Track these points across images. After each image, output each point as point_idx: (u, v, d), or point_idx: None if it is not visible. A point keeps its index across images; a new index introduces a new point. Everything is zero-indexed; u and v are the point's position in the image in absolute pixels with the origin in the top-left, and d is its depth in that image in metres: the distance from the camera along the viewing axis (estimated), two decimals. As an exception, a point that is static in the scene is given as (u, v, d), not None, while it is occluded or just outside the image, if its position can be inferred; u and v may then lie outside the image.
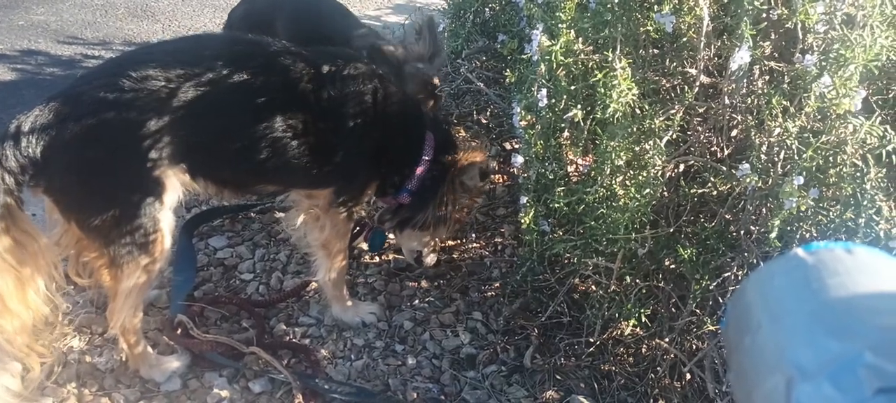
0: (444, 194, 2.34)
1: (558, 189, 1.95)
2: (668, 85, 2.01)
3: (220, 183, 2.10)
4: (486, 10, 3.02)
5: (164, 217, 1.95)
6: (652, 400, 2.16)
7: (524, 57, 1.95)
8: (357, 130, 2.12)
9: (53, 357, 2.08)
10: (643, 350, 2.28)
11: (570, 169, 2.20)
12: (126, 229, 1.89)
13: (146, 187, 1.89)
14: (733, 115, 1.88)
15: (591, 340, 2.24)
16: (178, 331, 2.26)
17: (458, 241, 2.84)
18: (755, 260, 1.81)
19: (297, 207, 2.29)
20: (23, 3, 5.26)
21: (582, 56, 1.77)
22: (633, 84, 1.65)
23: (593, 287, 2.26)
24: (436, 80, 2.30)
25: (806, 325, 0.66)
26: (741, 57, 1.65)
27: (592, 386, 2.23)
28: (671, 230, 1.97)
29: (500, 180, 3.11)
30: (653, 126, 1.75)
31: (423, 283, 2.66)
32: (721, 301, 1.95)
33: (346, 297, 2.45)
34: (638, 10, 1.77)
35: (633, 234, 1.85)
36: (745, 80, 1.84)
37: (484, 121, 3.49)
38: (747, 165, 1.66)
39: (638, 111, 1.74)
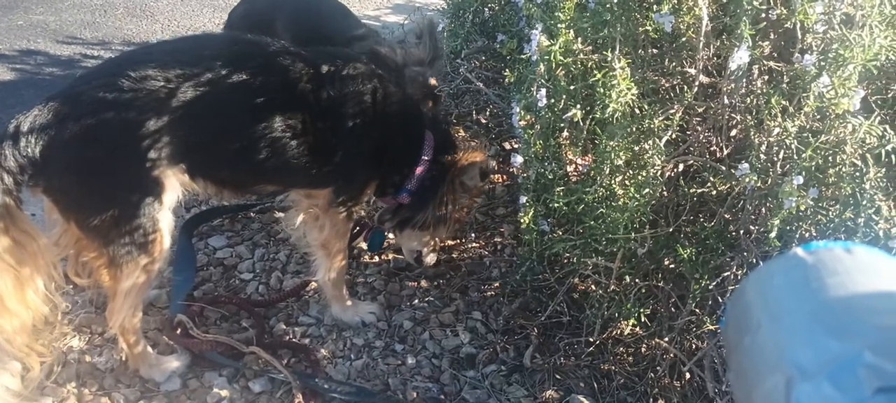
0: (443, 194, 2.34)
1: (558, 188, 1.95)
2: (667, 85, 2.01)
3: (219, 183, 2.10)
4: (486, 9, 3.02)
5: (163, 217, 1.95)
6: (652, 400, 2.16)
7: (523, 57, 1.95)
8: (356, 130, 2.12)
9: (53, 356, 2.08)
10: (643, 349, 2.29)
11: (570, 168, 2.20)
12: (125, 229, 1.89)
13: (145, 187, 1.89)
14: (732, 115, 1.88)
15: (591, 340, 2.24)
16: (178, 331, 2.26)
17: (458, 241, 2.84)
18: (755, 260, 1.81)
19: (296, 207, 2.29)
20: (22, 3, 5.26)
21: (581, 56, 1.77)
22: (633, 84, 1.65)
23: (593, 286, 2.26)
24: (432, 81, 2.29)
25: (805, 325, 0.66)
26: (740, 57, 1.65)
27: (592, 386, 2.23)
28: (670, 230, 1.97)
29: (500, 180, 3.11)
30: (652, 126, 1.75)
31: (423, 283, 2.66)
32: (720, 300, 1.95)
33: (345, 297, 2.45)
34: (637, 10, 1.77)
35: (633, 234, 1.85)
36: (744, 80, 1.85)
37: (483, 121, 3.49)
38: (746, 165, 1.66)
39: (637, 111, 1.74)
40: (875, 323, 0.64)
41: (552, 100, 1.86)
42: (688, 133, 2.00)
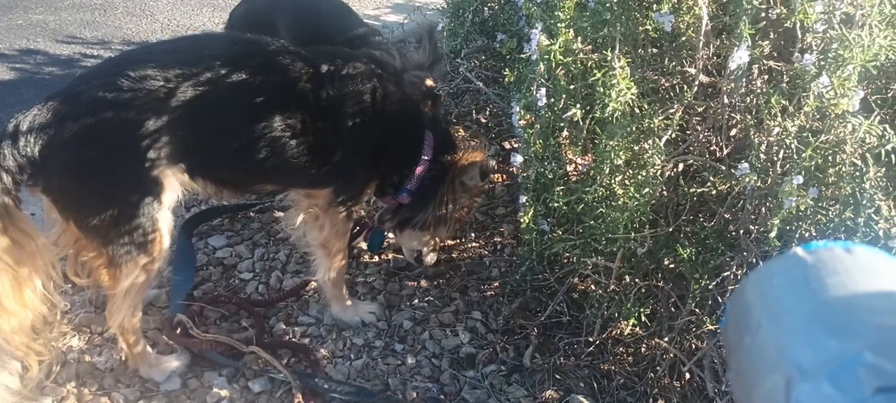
0: (443, 194, 2.34)
1: (557, 188, 1.95)
2: (667, 84, 2.01)
3: (218, 182, 2.10)
4: (485, 9, 3.02)
5: (162, 216, 1.94)
6: (651, 400, 2.16)
7: (523, 56, 1.94)
8: (356, 130, 2.12)
9: (52, 356, 2.08)
10: (643, 349, 2.28)
11: (570, 168, 2.19)
12: (125, 229, 1.89)
13: (145, 187, 1.89)
14: (732, 115, 1.88)
15: (591, 339, 2.24)
16: (178, 331, 2.25)
17: (458, 241, 2.84)
18: (754, 260, 1.81)
19: (296, 207, 2.29)
20: (22, 2, 5.26)
21: (581, 55, 1.77)
22: (632, 83, 1.65)
23: (593, 286, 2.26)
24: (429, 82, 2.29)
25: (805, 325, 0.66)
26: (740, 56, 1.65)
27: (592, 386, 2.23)
28: (670, 229, 1.97)
29: (500, 179, 3.11)
30: (652, 125, 1.75)
31: (423, 283, 2.66)
32: (720, 300, 1.95)
33: (345, 297, 2.44)
34: (637, 10, 1.77)
35: (633, 234, 1.85)
36: (743, 80, 1.85)
37: (483, 121, 3.49)
38: (746, 164, 1.66)
39: (637, 110, 1.74)
40: (875, 322, 0.64)
41: (552, 100, 1.86)
42: (688, 132, 2.00)
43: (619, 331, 2.27)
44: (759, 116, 1.72)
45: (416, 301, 2.57)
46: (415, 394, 2.19)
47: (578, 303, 2.42)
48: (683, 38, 1.82)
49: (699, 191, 1.98)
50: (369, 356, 2.32)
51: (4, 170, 1.76)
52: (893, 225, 1.51)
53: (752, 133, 1.74)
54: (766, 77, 1.87)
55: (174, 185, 1.97)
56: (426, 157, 2.31)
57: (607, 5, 1.73)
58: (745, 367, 0.71)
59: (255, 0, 3.02)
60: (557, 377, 2.27)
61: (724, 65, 1.81)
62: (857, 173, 1.56)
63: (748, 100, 1.84)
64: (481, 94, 3.46)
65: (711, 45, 1.80)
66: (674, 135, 1.80)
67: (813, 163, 1.56)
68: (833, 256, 0.72)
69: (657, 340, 2.15)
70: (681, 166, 2.08)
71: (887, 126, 1.51)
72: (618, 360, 2.30)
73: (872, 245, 1.34)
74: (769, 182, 1.69)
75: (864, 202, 1.53)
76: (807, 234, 1.68)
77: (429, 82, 2.29)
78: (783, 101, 1.61)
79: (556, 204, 1.93)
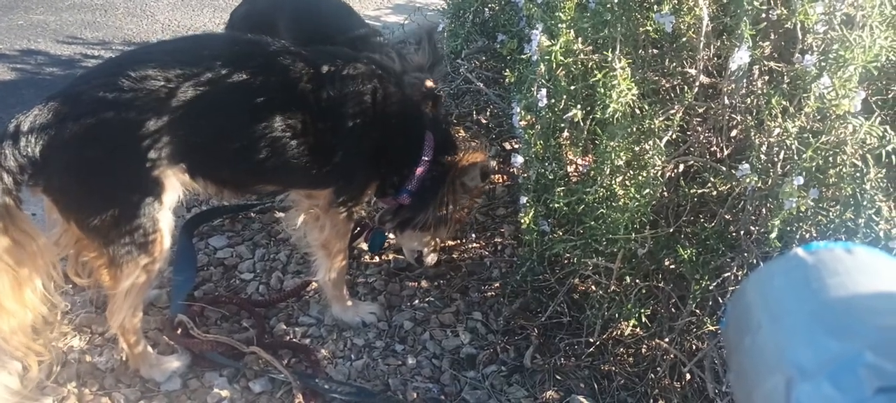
0: (444, 195, 2.34)
1: (558, 189, 1.95)
2: (667, 85, 2.01)
3: (219, 182, 2.10)
4: (486, 9, 3.02)
5: (163, 217, 1.95)
6: (652, 401, 2.16)
7: (524, 57, 1.94)
8: (356, 130, 2.12)
9: (52, 356, 2.08)
10: (643, 350, 2.28)
11: (570, 169, 2.19)
12: (125, 229, 1.89)
13: (145, 187, 1.89)
14: (733, 116, 1.88)
15: (591, 340, 2.24)
16: (179, 331, 2.26)
17: (458, 241, 2.84)
18: (755, 261, 1.81)
19: (297, 207, 2.29)
20: (22, 2, 5.26)
21: (581, 56, 1.77)
22: (633, 84, 1.65)
23: (593, 287, 2.26)
24: (429, 83, 2.29)
25: (806, 325, 0.66)
26: (741, 57, 1.65)
27: (592, 386, 2.23)
28: (671, 230, 1.97)
29: (500, 180, 3.11)
30: (652, 126, 1.75)
31: (423, 283, 2.66)
32: (721, 301, 1.95)
33: (346, 297, 2.44)
34: (637, 10, 1.77)
35: (633, 234, 1.85)
36: (744, 81, 1.85)
37: (484, 121, 3.49)
38: (747, 165, 1.66)
39: (637, 111, 1.74)
40: (875, 323, 0.64)
41: (552, 101, 1.86)
42: (688, 133, 2.00)
43: (619, 332, 2.27)
44: (760, 117, 1.72)
45: (417, 301, 2.57)
46: (415, 395, 2.19)
47: (579, 304, 2.42)
48: (684, 39, 1.82)
49: (700, 191, 1.98)
50: (370, 356, 2.32)
51: (5, 171, 1.76)
52: (894, 225, 1.51)
53: (752, 134, 1.75)
54: (766, 78, 1.87)
55: (175, 185, 1.97)
56: (427, 158, 2.31)
57: (608, 6, 1.73)
58: (746, 368, 0.71)
59: (256, 1, 3.02)
60: (558, 377, 2.27)
61: (724, 65, 1.82)
62: (858, 174, 1.56)
63: (749, 101, 1.84)
64: (482, 95, 3.46)
65: (712, 46, 1.80)
66: (674, 136, 1.80)
67: (813, 163, 1.56)
68: (834, 257, 0.72)
69: (658, 341, 2.15)
70: (681, 167, 2.08)
71: (888, 127, 1.51)
72: (618, 361, 2.30)
73: (873, 246, 1.34)
74: (770, 183, 1.69)
75: (865, 203, 1.53)
76: (807, 235, 1.68)
77: (429, 83, 2.29)
78: (784, 102, 1.61)
79: (556, 205, 1.93)
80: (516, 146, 3.02)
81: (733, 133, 1.97)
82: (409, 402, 2.17)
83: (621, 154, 1.75)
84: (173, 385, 2.14)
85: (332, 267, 2.33)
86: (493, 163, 2.83)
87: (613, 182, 1.83)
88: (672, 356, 2.09)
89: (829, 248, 0.73)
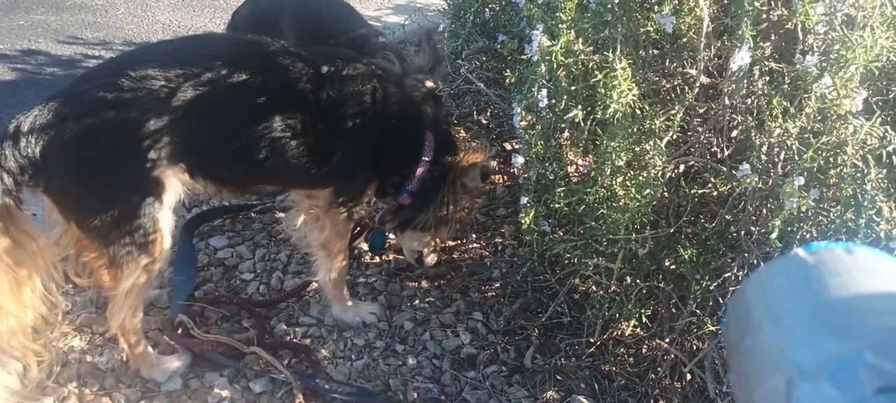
0: (444, 195, 2.34)
1: (559, 189, 1.94)
2: (668, 85, 2.01)
3: (219, 182, 2.10)
4: (486, 10, 3.02)
5: (163, 217, 1.95)
6: (652, 401, 2.16)
7: (524, 57, 1.94)
8: (356, 130, 2.12)
9: (52, 356, 2.08)
10: (644, 350, 2.28)
11: (571, 169, 2.19)
12: (126, 229, 1.89)
13: (146, 187, 1.89)
14: (733, 116, 1.88)
15: (592, 340, 2.24)
16: (179, 331, 2.26)
17: (459, 241, 2.84)
18: (755, 261, 1.81)
19: (297, 207, 2.29)
20: (23, 3, 5.26)
21: (582, 56, 1.77)
22: (634, 84, 1.65)
23: (594, 287, 2.26)
24: (429, 83, 2.29)
25: (806, 325, 0.66)
26: (741, 57, 1.65)
27: (593, 387, 2.23)
28: (671, 230, 1.97)
29: (501, 180, 3.11)
30: (653, 126, 1.75)
31: (424, 283, 2.66)
32: (721, 301, 1.95)
33: (346, 297, 2.44)
34: (638, 11, 1.77)
35: (634, 235, 1.85)
36: (745, 81, 1.84)
37: (484, 122, 3.49)
38: (747, 166, 1.66)
39: (638, 111, 1.74)
40: (876, 323, 0.64)
41: (553, 101, 1.86)
42: (689, 134, 1.99)
43: (620, 332, 2.27)
44: (761, 117, 1.72)
45: (417, 301, 2.57)
46: (416, 395, 2.19)
47: (579, 304, 2.42)
48: (685, 40, 1.82)
49: (700, 192, 1.98)
50: (370, 356, 2.32)
51: (5, 171, 1.76)
52: (894, 226, 1.51)
53: (753, 134, 1.74)
54: (767, 78, 1.87)
55: (175, 185, 1.97)
56: (427, 158, 2.31)
57: (608, 6, 1.73)
58: (747, 368, 0.71)
59: (259, 1, 3.02)
60: (558, 377, 2.27)
61: (725, 66, 1.81)
62: (859, 174, 1.56)
63: (749, 102, 1.84)
64: (482, 95, 3.46)
65: (713, 47, 1.80)
66: (675, 137, 1.80)
67: (814, 164, 1.56)
68: (834, 257, 0.72)
69: (658, 341, 2.15)
70: (682, 167, 2.08)
71: (888, 127, 1.51)
72: (619, 361, 2.30)
73: (874, 246, 1.34)
74: (770, 183, 1.69)
75: (866, 203, 1.53)
76: (808, 235, 1.68)
77: (429, 84, 2.29)
78: (784, 103, 1.61)
79: (557, 205, 1.93)
80: (517, 146, 3.02)
81: (734, 133, 1.97)
82: (409, 402, 2.17)
83: (622, 154, 1.75)
84: (174, 385, 2.14)
85: (333, 267, 2.33)
86: (494, 164, 2.83)
87: (614, 182, 1.83)
88: (673, 356, 2.09)
89: (829, 248, 0.73)
